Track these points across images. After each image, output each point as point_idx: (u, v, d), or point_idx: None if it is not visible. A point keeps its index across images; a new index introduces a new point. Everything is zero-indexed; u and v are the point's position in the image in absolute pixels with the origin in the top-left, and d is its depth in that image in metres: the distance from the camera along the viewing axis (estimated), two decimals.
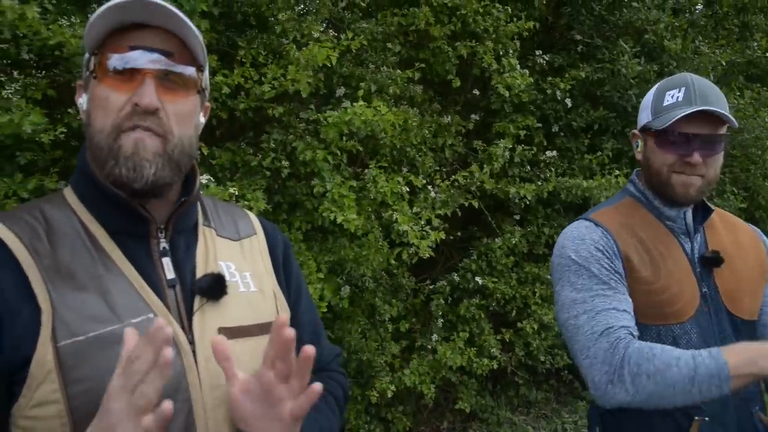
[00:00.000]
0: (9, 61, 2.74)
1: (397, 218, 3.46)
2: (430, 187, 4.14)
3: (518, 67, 4.35)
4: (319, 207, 3.26)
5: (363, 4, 3.65)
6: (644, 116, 1.67)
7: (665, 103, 1.60)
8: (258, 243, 1.25)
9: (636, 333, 1.51)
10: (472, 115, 4.62)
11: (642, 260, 1.59)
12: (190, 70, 1.06)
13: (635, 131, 1.72)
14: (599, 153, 4.92)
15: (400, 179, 3.56)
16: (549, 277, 4.86)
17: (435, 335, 4.45)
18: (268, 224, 1.31)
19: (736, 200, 5.41)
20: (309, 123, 3.53)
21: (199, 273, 1.10)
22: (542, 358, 4.95)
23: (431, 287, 4.61)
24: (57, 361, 0.92)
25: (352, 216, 3.07)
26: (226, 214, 1.25)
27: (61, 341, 0.93)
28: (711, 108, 1.52)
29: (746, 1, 5.66)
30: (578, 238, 1.62)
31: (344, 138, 3.39)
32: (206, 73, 1.13)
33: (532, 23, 4.24)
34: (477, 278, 4.64)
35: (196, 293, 1.07)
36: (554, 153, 4.85)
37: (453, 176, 4.11)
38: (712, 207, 1.73)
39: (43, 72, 2.87)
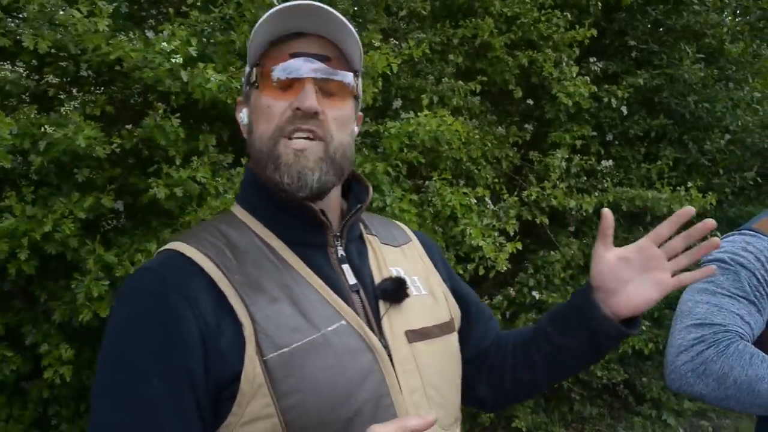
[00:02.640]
0: (68, 79, 2.69)
1: (470, 232, 3.35)
2: (488, 199, 4.04)
3: (575, 74, 4.23)
4: None
5: (424, 12, 3.56)
6: None
7: None
8: (415, 248, 1.26)
9: (744, 337, 1.41)
10: (527, 125, 4.50)
11: None
12: (348, 77, 1.06)
13: None
14: (657, 162, 4.77)
15: (467, 191, 3.45)
16: None
17: None
18: (418, 232, 1.33)
19: None
20: (366, 136, 3.44)
21: (376, 279, 1.11)
22: (598, 373, 4.83)
23: (487, 302, 4.50)
24: (266, 375, 0.93)
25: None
26: (381, 223, 1.27)
27: (267, 354, 0.94)
28: None
29: None
30: (738, 244, 1.52)
31: (404, 150, 3.29)
32: (360, 79, 1.13)
33: (592, 31, 4.12)
34: (534, 293, 4.51)
35: (379, 297, 1.08)
36: (610, 162, 4.71)
37: (524, 191, 3.99)
38: None
39: (102, 88, 2.82)
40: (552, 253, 4.59)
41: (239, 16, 2.84)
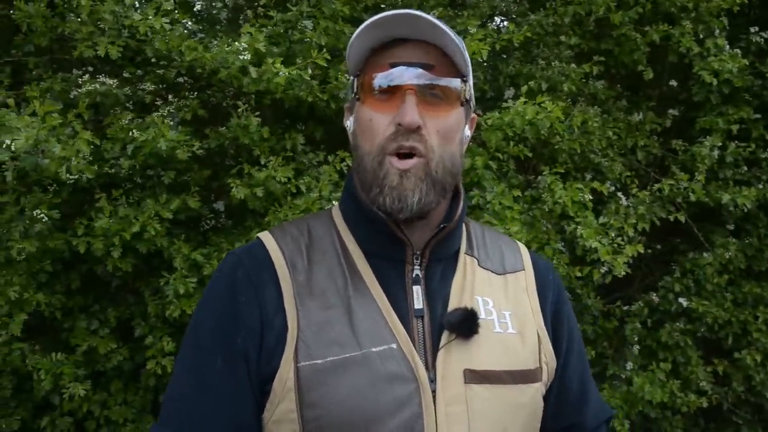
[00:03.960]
0: (164, 85, 2.81)
1: (582, 233, 3.01)
2: (620, 194, 3.62)
3: (727, 47, 3.65)
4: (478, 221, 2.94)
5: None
6: None
7: None
8: (525, 280, 1.16)
9: None
10: (669, 111, 3.98)
11: None
12: (454, 82, 1.02)
13: None
14: None
15: (581, 186, 3.10)
16: None
17: (630, 363, 3.92)
18: (541, 262, 1.22)
19: None
20: None
21: (452, 305, 1.05)
22: None
23: (625, 309, 4.06)
24: (296, 381, 0.94)
25: (515, 229, 2.69)
26: (494, 243, 1.19)
27: (301, 361, 0.95)
28: None
29: None
30: None
31: (510, 142, 3.02)
32: (470, 82, 1.08)
33: None
34: (681, 299, 4.00)
35: (444, 327, 1.02)
36: None
37: (656, 185, 3.53)
38: None
39: (196, 93, 2.91)
40: (704, 254, 4.04)
41: (318, 11, 2.79)
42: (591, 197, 3.12)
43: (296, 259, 1.03)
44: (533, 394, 1.05)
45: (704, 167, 3.72)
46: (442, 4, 3.05)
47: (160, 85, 2.89)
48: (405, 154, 0.98)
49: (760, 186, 3.93)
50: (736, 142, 3.91)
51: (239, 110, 2.67)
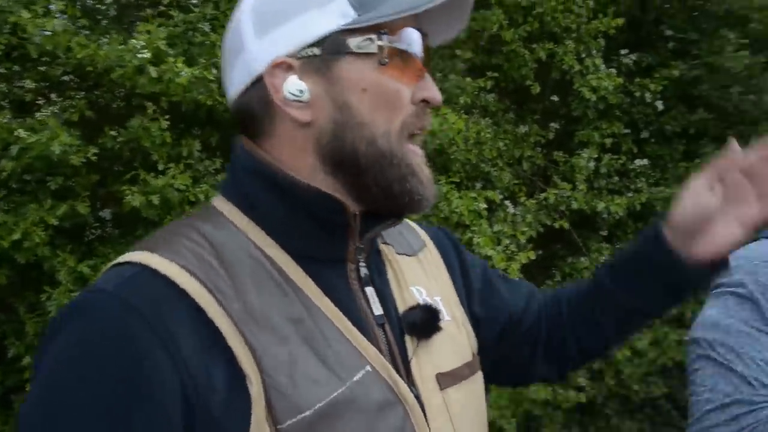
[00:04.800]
0: (48, 84, 2.61)
1: (478, 241, 3.11)
2: (508, 202, 3.80)
3: (602, 67, 3.94)
4: None
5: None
6: None
7: None
8: (432, 255, 1.01)
9: None
10: (552, 124, 4.23)
11: None
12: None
13: None
14: (696, 160, 4.42)
15: (475, 195, 3.21)
16: None
17: None
18: (432, 229, 1.09)
19: None
20: None
21: (399, 306, 0.87)
22: (636, 387, 4.56)
23: None
24: None
25: None
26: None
27: (284, 421, 0.69)
28: None
29: None
30: (759, 259, 1.29)
31: None
32: None
33: (619, 20, 3.82)
34: None
35: (406, 332, 0.85)
36: (645, 161, 4.39)
37: (542, 194, 3.72)
38: None
39: (83, 93, 2.73)
40: (581, 259, 4.32)
41: (223, 14, 2.71)
42: (485, 206, 3.24)
43: (217, 281, 0.72)
44: (481, 382, 0.96)
45: (582, 177, 3.99)
46: None
47: (42, 83, 2.67)
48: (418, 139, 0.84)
49: (630, 195, 4.27)
50: (610, 154, 4.23)
51: (148, 111, 2.52)
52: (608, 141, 4.21)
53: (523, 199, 3.72)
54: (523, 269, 4.41)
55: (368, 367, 0.77)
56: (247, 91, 0.81)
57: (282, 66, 0.78)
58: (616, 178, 4.38)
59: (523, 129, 4.02)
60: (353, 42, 0.77)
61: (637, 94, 4.29)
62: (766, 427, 1.16)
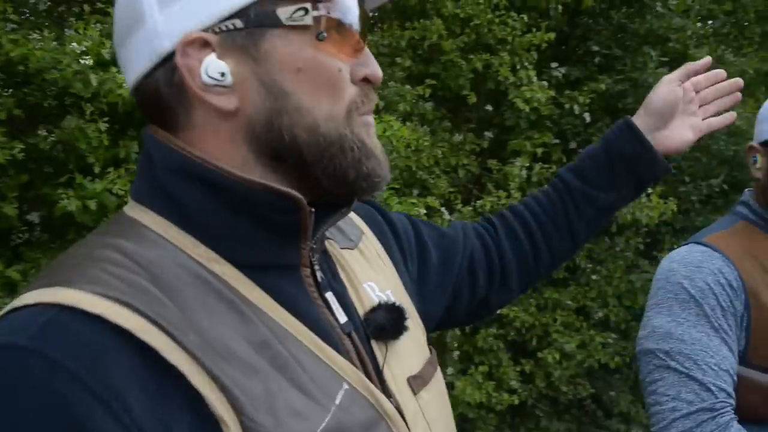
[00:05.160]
0: None
1: None
2: (444, 209, 3.88)
3: (535, 79, 4.10)
4: None
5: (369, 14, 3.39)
6: (766, 128, 1.43)
7: None
8: (371, 243, 0.90)
9: (734, 402, 1.28)
10: (486, 133, 4.35)
11: None
12: None
13: (753, 144, 1.47)
14: None
15: (416, 201, 3.27)
16: (570, 302, 4.64)
17: (450, 368, 4.18)
18: (360, 209, 0.94)
19: None
20: None
21: (359, 307, 0.77)
22: (564, 389, 4.72)
23: None
24: None
25: None
26: None
27: None
28: None
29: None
30: (693, 264, 1.36)
31: None
32: None
33: (551, 34, 3.98)
34: None
35: (372, 337, 0.75)
36: None
37: (477, 201, 3.82)
38: None
39: (11, 90, 2.61)
40: None
41: None
42: (425, 212, 3.30)
43: (160, 309, 0.58)
44: (442, 377, 0.88)
45: (515, 185, 4.12)
46: None
47: None
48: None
49: None
50: (540, 163, 4.38)
51: (86, 112, 2.43)
52: (539, 150, 4.37)
53: (459, 206, 3.80)
54: None
55: (345, 386, 0.67)
56: (151, 73, 0.67)
57: (196, 43, 0.64)
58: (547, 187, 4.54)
59: (458, 137, 4.11)
60: (284, 12, 0.65)
61: (567, 105, 4.47)
62: (726, 431, 1.24)
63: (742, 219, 1.47)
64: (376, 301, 0.79)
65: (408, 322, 0.79)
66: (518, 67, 3.96)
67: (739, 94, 1.16)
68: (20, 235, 2.76)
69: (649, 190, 4.29)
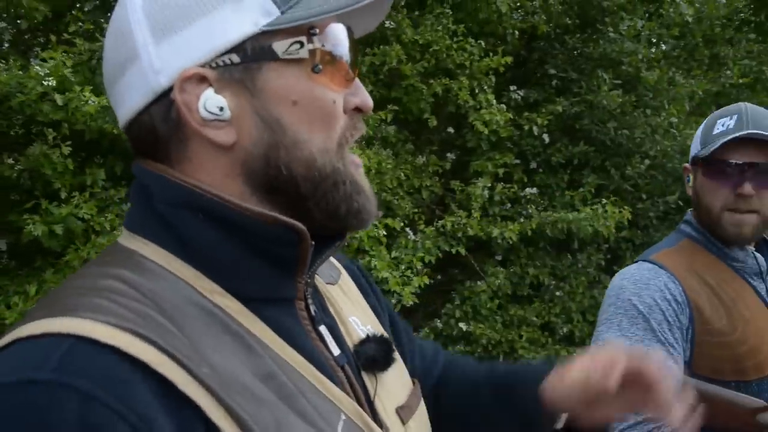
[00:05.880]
0: None
1: (375, 264, 3.24)
2: (408, 230, 3.96)
3: (494, 102, 4.23)
4: None
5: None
6: (694, 147, 1.52)
7: (715, 132, 1.47)
8: (348, 283, 0.91)
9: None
10: (448, 154, 4.47)
11: (714, 309, 1.43)
12: None
13: (686, 165, 1.56)
14: (580, 189, 4.79)
15: (376, 222, 3.35)
16: (535, 318, 4.72)
17: None
18: (338, 255, 0.95)
19: None
20: None
21: (349, 339, 0.79)
22: None
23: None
24: None
25: None
26: None
27: None
28: (762, 133, 1.38)
29: (715, 32, 5.65)
30: (641, 281, 1.44)
31: None
32: None
33: (508, 58, 4.13)
34: (461, 324, 4.44)
35: (362, 368, 0.76)
36: (534, 190, 4.71)
37: (440, 221, 3.92)
38: None
39: None
40: (478, 283, 4.54)
41: None
42: (385, 233, 3.39)
43: (173, 341, 0.58)
44: (424, 405, 0.89)
45: (478, 205, 4.24)
46: None
47: None
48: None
49: (522, 221, 4.55)
50: (502, 183, 4.51)
51: (47, 138, 2.48)
52: (500, 171, 4.49)
53: (422, 226, 3.90)
54: (423, 293, 4.58)
55: (343, 416, 0.69)
56: (146, 109, 0.66)
57: (194, 78, 0.64)
58: (509, 205, 4.66)
59: (421, 159, 4.21)
60: (280, 46, 0.65)
61: (526, 127, 4.61)
62: None
63: (686, 236, 1.55)
64: (363, 335, 0.79)
65: (395, 354, 0.80)
66: (477, 90, 4.09)
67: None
68: None
69: (603, 201, 4.46)
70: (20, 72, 2.46)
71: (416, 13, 4.01)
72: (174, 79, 0.64)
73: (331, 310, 0.80)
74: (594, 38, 4.82)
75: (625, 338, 1.39)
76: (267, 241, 0.66)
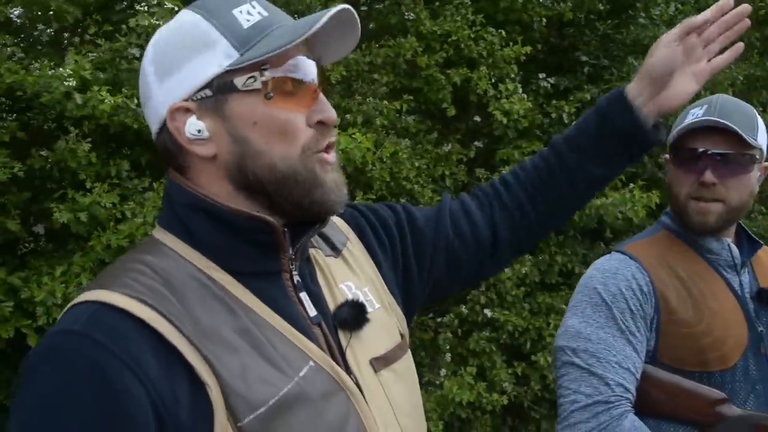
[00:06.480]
0: None
1: None
2: None
3: (520, 90, 4.23)
4: None
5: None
6: (670, 136, 1.56)
7: (685, 122, 1.51)
8: (354, 247, 1.09)
9: (632, 397, 1.41)
10: (475, 143, 4.50)
11: (682, 300, 1.47)
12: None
13: (666, 156, 1.61)
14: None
15: None
16: (563, 306, 4.70)
17: (443, 370, 4.32)
18: (346, 212, 1.13)
19: (765, 221, 5.13)
20: None
21: (330, 303, 0.98)
22: None
23: (438, 321, 4.48)
24: None
25: None
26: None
27: (243, 419, 0.79)
28: (720, 121, 1.42)
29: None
30: (610, 271, 1.50)
31: None
32: None
33: (528, 47, 4.12)
34: (486, 310, 4.49)
35: (338, 327, 0.96)
36: None
37: None
38: (760, 242, 1.60)
39: (15, 115, 2.91)
40: (505, 270, 4.56)
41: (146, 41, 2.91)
42: None
43: (167, 306, 0.81)
44: (412, 362, 1.07)
45: None
46: None
47: None
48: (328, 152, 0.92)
49: None
50: None
51: (70, 134, 2.71)
52: (527, 159, 4.48)
53: None
54: None
55: (311, 363, 0.87)
56: (160, 132, 0.90)
57: (180, 110, 0.87)
58: None
59: (446, 148, 4.27)
60: (239, 81, 0.85)
61: (554, 115, 4.58)
62: (619, 422, 1.37)
63: (664, 228, 1.60)
64: (344, 299, 0.99)
65: (369, 315, 0.98)
66: (495, 79, 4.10)
67: (747, 21, 1.11)
68: (26, 245, 3.04)
69: (631, 185, 4.39)
70: (50, 72, 2.68)
71: (436, 4, 4.05)
72: (167, 111, 0.88)
73: (321, 279, 1.00)
74: (626, 23, 4.73)
75: (586, 324, 1.45)
76: (249, 231, 0.89)
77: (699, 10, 4.68)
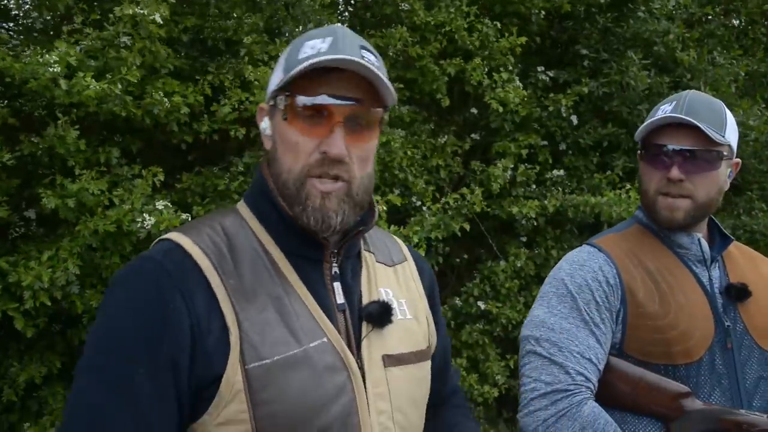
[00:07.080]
0: None
1: None
2: (425, 209, 4.04)
3: (517, 80, 4.22)
4: None
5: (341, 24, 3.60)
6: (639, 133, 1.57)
7: (654, 118, 1.50)
8: (409, 269, 1.29)
9: (593, 386, 1.42)
10: (472, 135, 4.49)
11: (648, 293, 1.48)
12: (378, 113, 1.08)
13: (640, 152, 1.61)
14: (609, 171, 4.71)
15: (378, 199, 3.46)
16: None
17: None
18: (416, 253, 1.36)
19: (765, 218, 5.08)
20: None
21: (365, 299, 1.14)
22: None
23: None
24: (246, 382, 0.97)
25: None
26: (380, 239, 1.29)
27: (249, 363, 0.98)
28: (685, 118, 1.42)
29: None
30: (577, 263, 1.52)
31: None
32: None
33: (523, 39, 4.10)
34: (480, 303, 4.49)
35: (363, 319, 1.11)
36: (561, 172, 4.66)
37: (444, 198, 3.98)
38: (731, 237, 1.60)
39: (6, 101, 2.94)
40: (500, 263, 4.56)
41: (135, 31, 2.93)
42: (391, 210, 3.49)
43: (222, 262, 1.03)
44: (428, 369, 1.21)
45: (498, 185, 4.25)
46: (256, 30, 3.29)
47: None
48: (328, 181, 1.05)
49: (545, 201, 4.52)
50: (526, 164, 4.49)
51: (59, 121, 2.74)
52: (524, 152, 4.47)
53: (433, 204, 3.96)
54: (445, 271, 4.66)
55: (324, 339, 1.05)
56: None
57: (263, 110, 1.14)
58: (534, 187, 4.64)
59: (441, 139, 4.26)
60: (278, 99, 1.07)
61: (551, 108, 4.56)
62: (578, 409, 1.39)
63: (637, 222, 1.61)
64: (377, 298, 1.15)
65: (395, 318, 1.14)
66: (487, 69, 4.08)
67: None
68: (17, 229, 3.08)
69: (628, 187, 4.37)
70: (39, 59, 2.71)
71: None
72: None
73: (364, 276, 1.17)
74: (626, 17, 4.69)
75: (551, 314, 1.47)
76: (300, 235, 1.09)
77: (700, 5, 4.64)
